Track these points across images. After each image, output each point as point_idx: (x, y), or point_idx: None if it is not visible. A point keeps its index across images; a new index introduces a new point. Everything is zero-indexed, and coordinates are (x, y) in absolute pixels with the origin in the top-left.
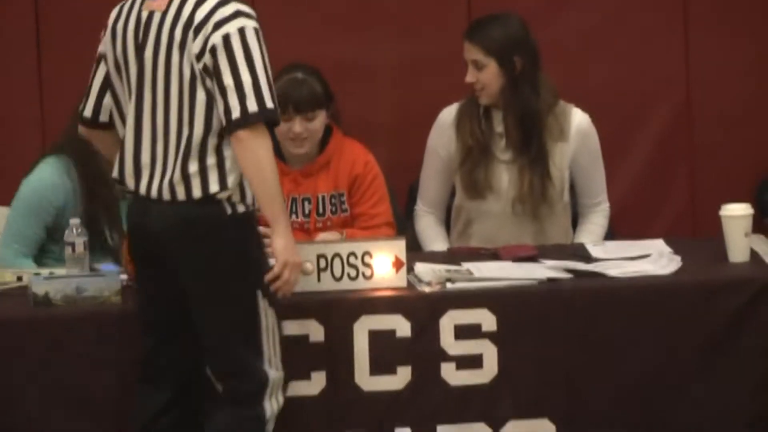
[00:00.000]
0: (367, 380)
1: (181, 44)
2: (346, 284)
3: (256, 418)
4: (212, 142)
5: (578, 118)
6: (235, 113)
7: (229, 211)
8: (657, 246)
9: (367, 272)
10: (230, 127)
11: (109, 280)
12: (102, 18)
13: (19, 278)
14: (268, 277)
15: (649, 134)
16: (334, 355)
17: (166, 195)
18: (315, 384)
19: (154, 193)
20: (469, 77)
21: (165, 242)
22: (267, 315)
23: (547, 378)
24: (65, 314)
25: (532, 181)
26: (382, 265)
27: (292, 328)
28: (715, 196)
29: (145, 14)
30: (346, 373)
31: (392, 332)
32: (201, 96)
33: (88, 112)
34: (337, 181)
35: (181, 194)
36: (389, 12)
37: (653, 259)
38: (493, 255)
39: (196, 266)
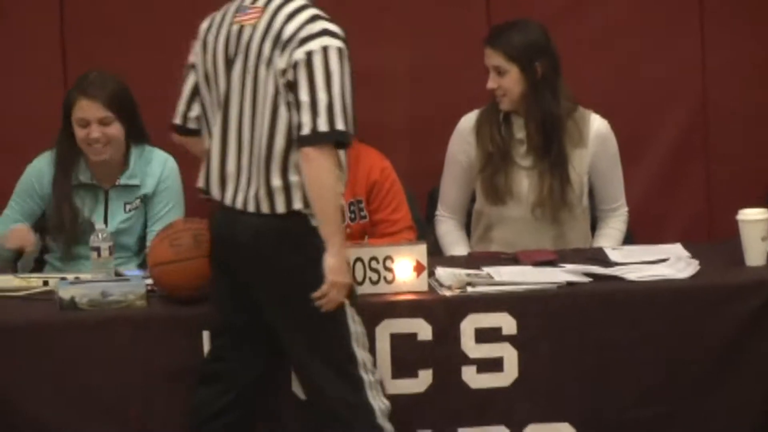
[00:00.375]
0: (388, 383)
1: (268, 60)
2: (368, 288)
3: (370, 423)
4: (294, 157)
5: (597, 124)
6: (305, 130)
7: (313, 222)
8: (675, 250)
9: (389, 276)
10: (299, 143)
11: (134, 284)
12: (127, 16)
13: (45, 282)
14: (315, 294)
15: (665, 138)
16: None
17: (251, 207)
18: None
19: (239, 204)
20: (491, 83)
21: (249, 253)
22: (355, 322)
23: (567, 381)
24: (91, 318)
25: (552, 186)
26: (404, 269)
27: None
28: (732, 199)
29: (235, 28)
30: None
31: (414, 336)
32: (283, 111)
33: (178, 120)
34: (355, 189)
35: (265, 208)
36: (408, 18)
37: (671, 263)
38: (513, 259)
39: (282, 277)
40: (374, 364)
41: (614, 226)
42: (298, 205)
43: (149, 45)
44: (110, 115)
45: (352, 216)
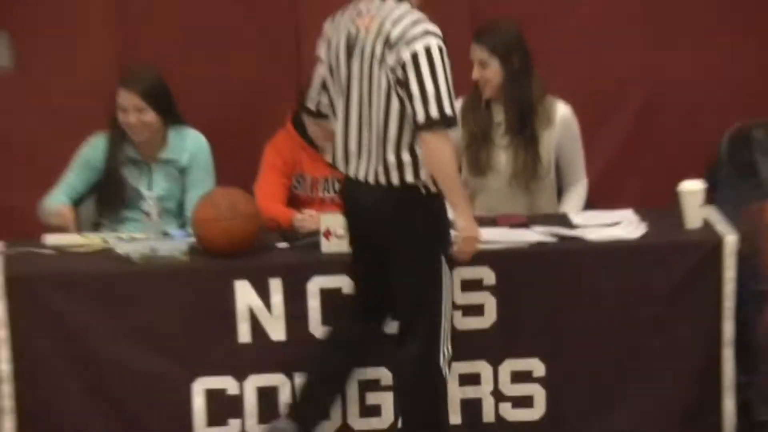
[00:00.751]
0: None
1: (380, 59)
2: None
3: (434, 363)
4: (406, 139)
5: (562, 109)
6: (420, 118)
7: (423, 192)
8: (627, 215)
9: None
10: (417, 130)
11: (178, 242)
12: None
13: (105, 241)
14: (455, 249)
15: (622, 121)
16: None
17: (371, 179)
18: None
19: (361, 176)
20: (475, 74)
21: (370, 217)
22: (446, 275)
23: (537, 324)
24: (143, 270)
25: (525, 161)
26: None
27: (335, 281)
28: (676, 173)
29: (353, 30)
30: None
31: None
32: (395, 102)
33: (311, 105)
34: None
35: (382, 180)
36: None
37: (623, 225)
38: (493, 222)
39: (396, 236)
40: (451, 312)
41: (576, 193)
42: (409, 178)
43: (191, 36)
44: (144, 104)
45: None
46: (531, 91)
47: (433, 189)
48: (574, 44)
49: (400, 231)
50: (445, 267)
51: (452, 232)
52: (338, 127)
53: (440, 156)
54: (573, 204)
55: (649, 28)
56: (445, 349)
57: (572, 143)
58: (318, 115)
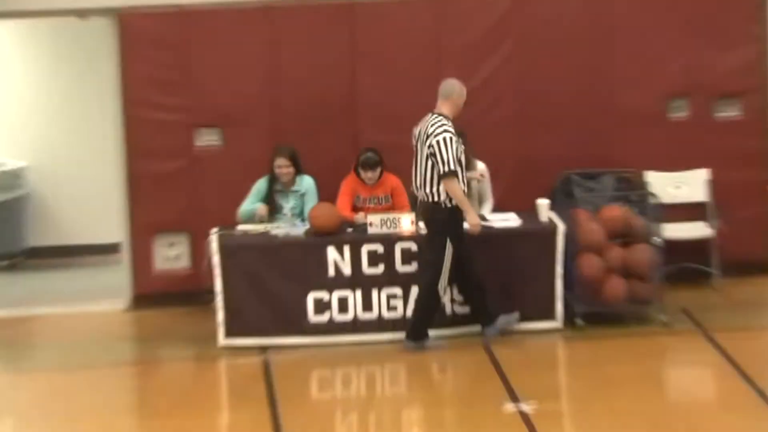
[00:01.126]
0: (400, 267)
1: (424, 142)
2: (392, 230)
3: (435, 287)
4: (435, 181)
5: (481, 165)
6: (441, 172)
7: (443, 206)
8: (512, 215)
9: (400, 225)
10: (440, 178)
11: (300, 228)
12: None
13: (266, 229)
14: (471, 231)
15: (508, 170)
16: (387, 258)
17: (423, 199)
18: (379, 269)
19: (421, 197)
20: None
21: (425, 216)
22: (449, 248)
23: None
24: (283, 242)
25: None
26: (406, 222)
27: (373, 247)
28: (535, 195)
29: (418, 128)
30: (392, 265)
31: (410, 248)
32: (430, 163)
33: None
34: (386, 190)
35: (426, 200)
36: (412, 106)
37: (511, 220)
38: None
39: (429, 226)
40: (450, 267)
41: (488, 205)
42: (436, 199)
43: (305, 132)
44: (288, 163)
45: (385, 201)
46: (470, 155)
47: (449, 205)
48: (488, 134)
49: (431, 224)
50: (448, 244)
51: (464, 225)
52: (413, 172)
53: (452, 188)
54: (486, 210)
55: (522, 126)
56: (444, 283)
57: (486, 182)
58: None
